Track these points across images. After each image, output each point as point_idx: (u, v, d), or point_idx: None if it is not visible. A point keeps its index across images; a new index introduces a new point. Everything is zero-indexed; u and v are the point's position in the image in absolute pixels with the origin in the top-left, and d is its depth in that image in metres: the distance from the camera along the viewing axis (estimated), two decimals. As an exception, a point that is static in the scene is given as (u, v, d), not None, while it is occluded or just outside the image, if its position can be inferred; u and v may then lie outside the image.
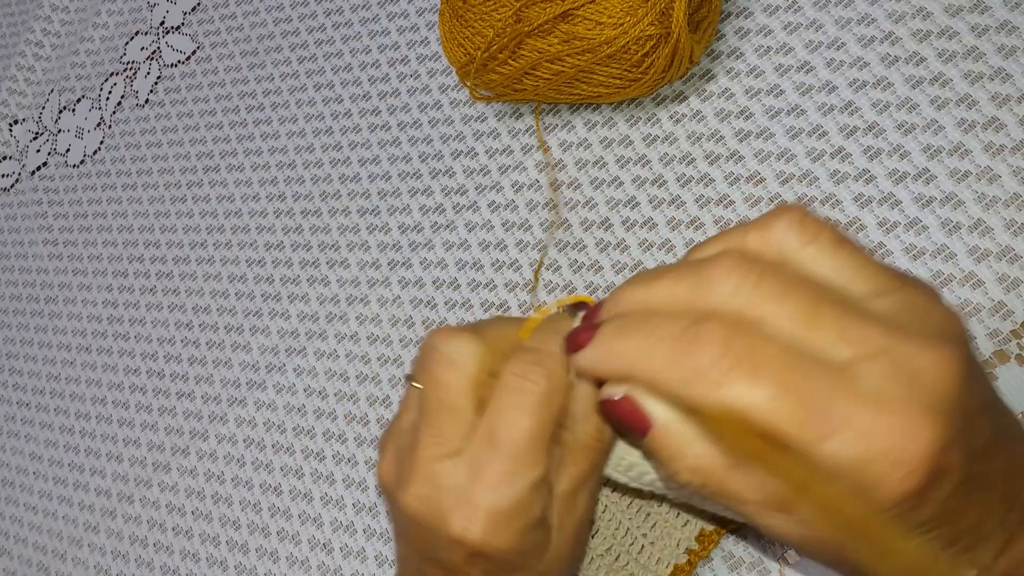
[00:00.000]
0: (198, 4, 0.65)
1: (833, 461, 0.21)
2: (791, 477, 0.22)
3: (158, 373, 0.57)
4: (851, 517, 0.22)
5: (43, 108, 0.71)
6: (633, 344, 0.25)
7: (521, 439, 0.27)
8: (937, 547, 0.23)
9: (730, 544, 0.38)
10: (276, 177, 0.56)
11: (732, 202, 0.42)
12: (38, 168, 0.69)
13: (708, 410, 0.23)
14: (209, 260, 0.57)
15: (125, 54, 0.67)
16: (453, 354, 0.29)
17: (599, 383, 0.27)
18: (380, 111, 0.54)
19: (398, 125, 0.53)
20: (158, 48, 0.66)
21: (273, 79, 0.59)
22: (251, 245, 0.56)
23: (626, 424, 0.25)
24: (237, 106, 0.60)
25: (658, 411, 0.25)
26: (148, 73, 0.66)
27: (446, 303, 0.48)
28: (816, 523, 0.23)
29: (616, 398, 0.26)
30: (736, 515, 0.26)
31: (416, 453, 0.29)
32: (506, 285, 0.46)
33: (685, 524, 0.37)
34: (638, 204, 0.44)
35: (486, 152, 0.49)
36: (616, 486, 0.36)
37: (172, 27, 0.66)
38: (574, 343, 0.27)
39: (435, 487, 0.28)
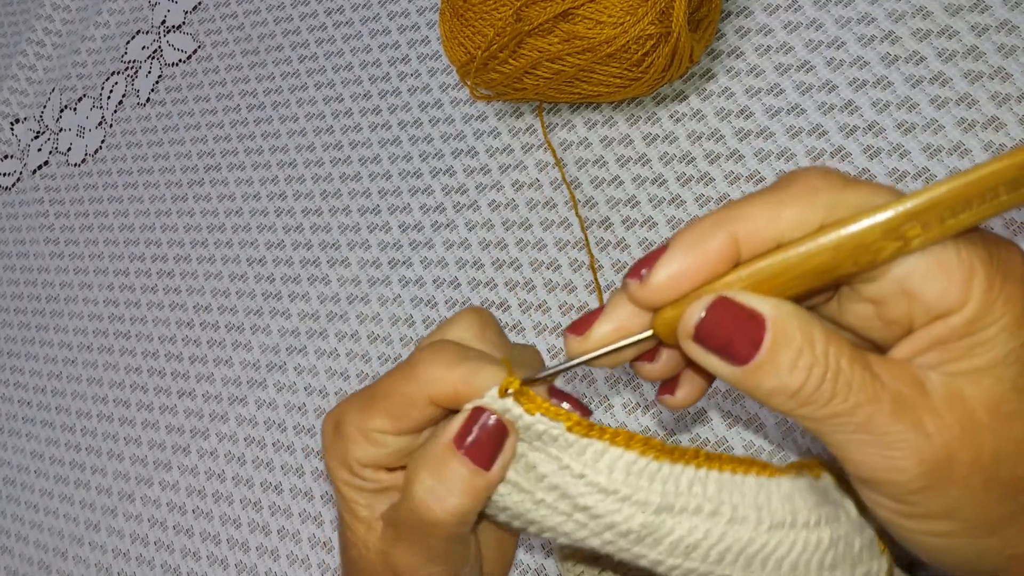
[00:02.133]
0: (199, 3, 0.65)
1: None
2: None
3: (159, 371, 0.57)
4: None
5: (44, 107, 0.71)
6: (732, 209, 0.22)
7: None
8: None
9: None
10: (277, 176, 0.57)
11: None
12: (39, 167, 0.69)
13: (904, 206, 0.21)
14: (210, 259, 0.57)
15: (126, 53, 0.67)
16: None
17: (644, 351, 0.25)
18: (381, 110, 0.54)
19: (398, 124, 0.53)
20: (159, 47, 0.66)
21: (274, 78, 0.59)
22: (252, 244, 0.56)
23: (737, 334, 0.21)
24: (238, 105, 0.60)
25: (761, 303, 0.21)
26: (149, 72, 0.66)
27: (446, 302, 0.48)
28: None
29: (703, 314, 0.22)
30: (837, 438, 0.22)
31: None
32: (506, 284, 0.46)
33: None
34: (638, 203, 0.44)
35: (486, 151, 0.49)
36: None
37: (173, 26, 0.66)
38: (640, 267, 0.23)
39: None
